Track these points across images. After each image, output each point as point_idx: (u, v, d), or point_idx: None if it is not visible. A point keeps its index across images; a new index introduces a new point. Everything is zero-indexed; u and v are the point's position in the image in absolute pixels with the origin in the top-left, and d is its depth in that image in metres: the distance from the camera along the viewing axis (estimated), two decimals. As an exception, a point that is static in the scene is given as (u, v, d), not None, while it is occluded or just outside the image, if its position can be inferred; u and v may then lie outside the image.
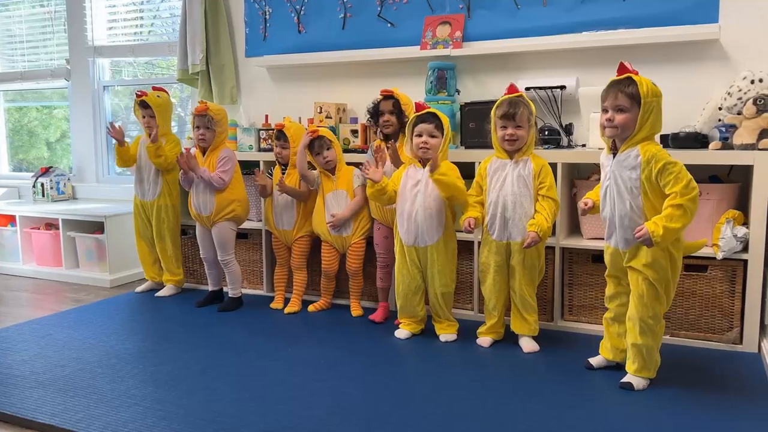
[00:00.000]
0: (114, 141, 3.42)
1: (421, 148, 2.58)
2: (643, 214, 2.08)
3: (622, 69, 2.10)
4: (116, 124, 3.36)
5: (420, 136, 2.58)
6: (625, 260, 2.17)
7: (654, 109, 2.04)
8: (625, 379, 2.18)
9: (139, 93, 3.37)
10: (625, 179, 2.09)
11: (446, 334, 2.71)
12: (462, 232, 2.58)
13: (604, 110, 2.11)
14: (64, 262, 4.04)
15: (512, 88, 2.52)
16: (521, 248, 2.50)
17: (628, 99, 2.04)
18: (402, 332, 2.75)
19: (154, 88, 3.45)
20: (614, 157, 2.14)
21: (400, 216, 2.67)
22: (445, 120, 2.62)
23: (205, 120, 3.14)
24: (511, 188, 2.49)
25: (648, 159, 2.04)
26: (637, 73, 2.08)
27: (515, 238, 2.52)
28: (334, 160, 3.03)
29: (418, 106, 2.63)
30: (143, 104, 3.37)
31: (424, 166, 2.63)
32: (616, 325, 2.29)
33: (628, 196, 2.10)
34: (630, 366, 2.19)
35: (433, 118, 2.58)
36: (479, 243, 2.75)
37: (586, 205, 2.29)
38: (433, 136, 2.58)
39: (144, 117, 3.39)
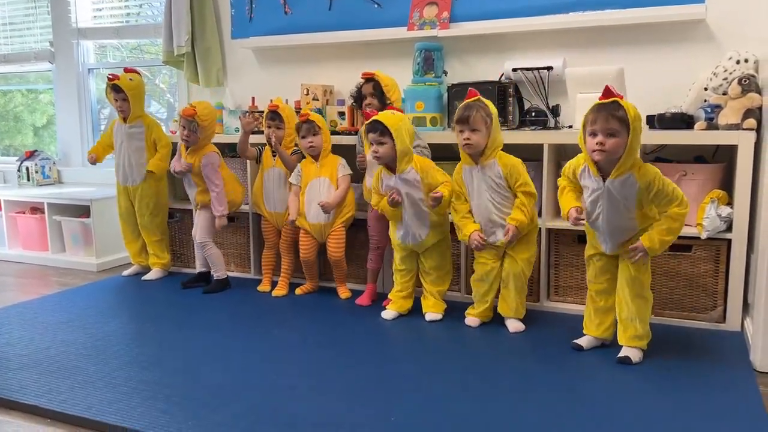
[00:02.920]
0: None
1: (373, 157, 2.59)
2: (637, 224, 2.18)
3: (607, 93, 2.04)
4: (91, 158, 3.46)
5: (371, 144, 2.58)
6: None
7: (639, 133, 2.04)
8: (621, 354, 2.22)
9: (111, 76, 3.31)
10: (622, 200, 2.12)
11: (432, 312, 2.72)
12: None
13: (593, 134, 2.06)
14: (50, 247, 4.01)
15: (471, 93, 2.51)
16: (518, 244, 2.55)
17: (619, 123, 2.01)
18: (389, 313, 2.76)
19: (126, 70, 3.38)
20: (603, 180, 2.12)
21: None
22: (393, 123, 2.52)
23: (191, 124, 3.11)
24: (488, 195, 2.51)
25: (645, 186, 2.08)
26: (622, 97, 2.05)
27: (502, 238, 2.52)
28: (319, 146, 2.99)
29: (366, 115, 2.62)
30: (115, 88, 3.32)
31: (392, 170, 2.62)
32: (603, 299, 2.32)
33: (623, 213, 2.15)
34: (624, 335, 2.24)
35: (377, 125, 2.54)
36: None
37: (579, 213, 2.25)
38: (381, 143, 2.55)
39: (117, 101, 3.35)
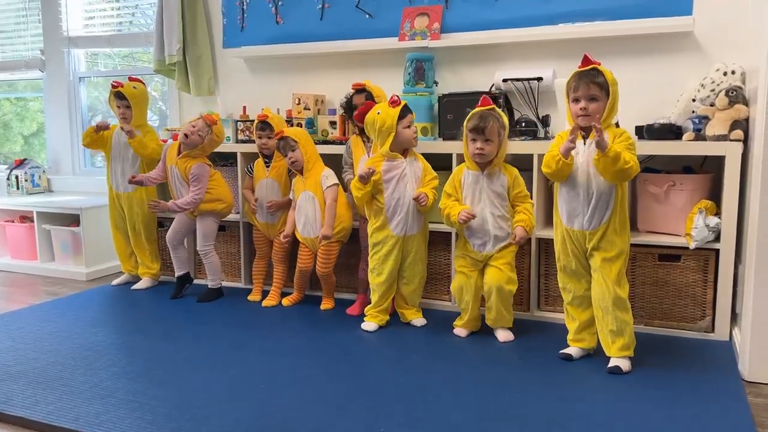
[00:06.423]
0: (95, 126, 3.38)
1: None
2: (614, 191, 2.19)
3: (586, 61, 2.18)
4: (104, 123, 3.38)
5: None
6: (593, 242, 2.22)
7: (616, 96, 2.17)
8: (611, 364, 2.22)
9: (115, 83, 3.33)
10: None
11: (418, 318, 2.76)
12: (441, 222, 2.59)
13: (576, 100, 2.18)
14: (39, 256, 3.98)
15: (485, 101, 2.50)
16: (501, 250, 2.54)
17: (598, 88, 2.15)
18: (371, 325, 2.72)
19: (131, 79, 3.41)
20: (584, 143, 2.22)
21: (396, 206, 2.65)
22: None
23: (203, 130, 3.12)
24: (489, 202, 2.52)
25: (612, 137, 2.17)
26: (600, 64, 2.17)
27: (492, 250, 2.54)
28: (300, 161, 2.94)
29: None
30: (119, 95, 3.33)
31: (404, 155, 2.65)
32: (580, 312, 2.33)
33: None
34: (611, 348, 2.24)
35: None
36: (455, 234, 2.78)
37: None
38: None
39: (119, 108, 3.35)
